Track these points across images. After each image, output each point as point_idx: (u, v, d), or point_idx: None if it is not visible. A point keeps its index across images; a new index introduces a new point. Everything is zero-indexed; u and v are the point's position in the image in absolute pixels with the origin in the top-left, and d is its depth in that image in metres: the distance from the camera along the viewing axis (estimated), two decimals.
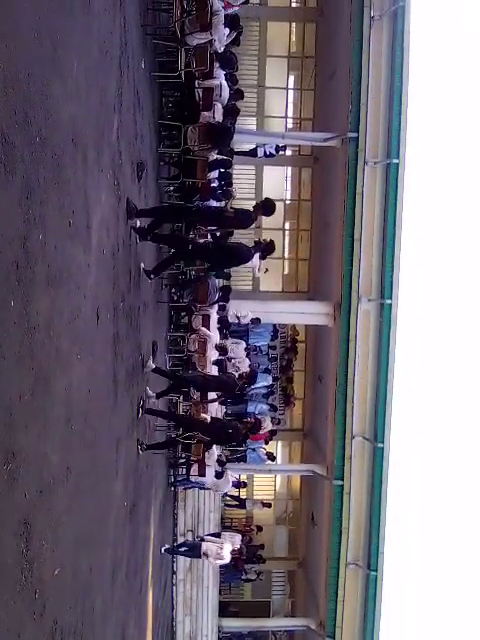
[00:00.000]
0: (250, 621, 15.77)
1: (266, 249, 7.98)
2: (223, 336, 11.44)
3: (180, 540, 13.42)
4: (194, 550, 11.11)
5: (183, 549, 11.51)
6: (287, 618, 18.02)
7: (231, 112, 9.53)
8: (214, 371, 10.83)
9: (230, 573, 15.54)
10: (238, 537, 12.28)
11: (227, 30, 8.78)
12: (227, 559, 10.93)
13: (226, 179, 10.44)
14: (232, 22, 8.96)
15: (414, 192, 14.56)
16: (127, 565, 6.63)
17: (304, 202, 17.32)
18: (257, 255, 7.97)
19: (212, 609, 14.14)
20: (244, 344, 13.14)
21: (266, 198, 8.12)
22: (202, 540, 11.28)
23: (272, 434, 14.07)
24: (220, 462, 11.02)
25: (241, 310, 12.69)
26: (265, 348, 15.28)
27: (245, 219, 7.63)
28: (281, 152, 13.84)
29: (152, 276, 7.48)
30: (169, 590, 12.94)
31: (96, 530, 4.98)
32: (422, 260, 20.17)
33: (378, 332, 11.97)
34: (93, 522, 4.82)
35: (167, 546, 11.04)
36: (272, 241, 8.03)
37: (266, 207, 7.68)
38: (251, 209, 7.79)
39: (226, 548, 10.74)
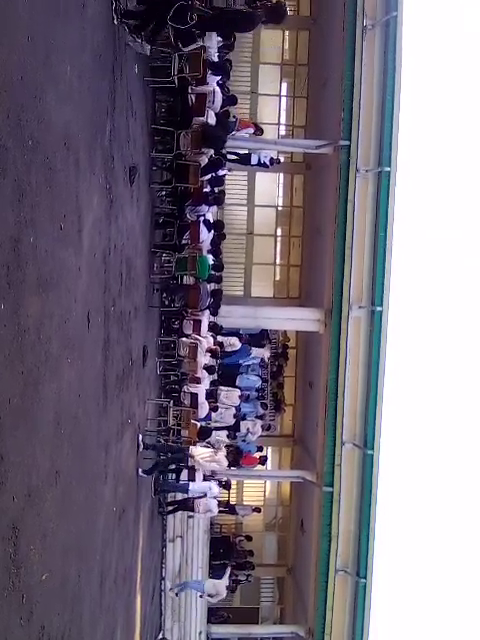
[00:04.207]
0: (239, 628, 15.66)
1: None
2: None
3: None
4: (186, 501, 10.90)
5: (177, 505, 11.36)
6: (276, 625, 17.93)
7: (223, 118, 9.56)
8: (205, 378, 10.76)
9: (218, 572, 15.46)
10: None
11: (219, 38, 8.83)
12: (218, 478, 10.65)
13: (218, 184, 10.46)
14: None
15: (405, 200, 14.61)
16: (116, 571, 6.60)
17: (296, 208, 17.35)
18: None
19: (201, 615, 14.06)
20: (238, 392, 13.02)
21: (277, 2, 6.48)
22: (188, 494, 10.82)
23: (262, 461, 14.30)
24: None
25: (230, 340, 13.13)
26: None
27: (250, 20, 6.51)
28: (276, 164, 13.87)
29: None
30: (157, 596, 12.86)
31: (85, 535, 4.95)
32: (413, 268, 20.27)
33: (368, 339, 12.01)
34: (82, 527, 4.79)
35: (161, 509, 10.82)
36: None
37: (275, 13, 6.40)
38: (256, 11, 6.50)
39: (221, 455, 10.43)
